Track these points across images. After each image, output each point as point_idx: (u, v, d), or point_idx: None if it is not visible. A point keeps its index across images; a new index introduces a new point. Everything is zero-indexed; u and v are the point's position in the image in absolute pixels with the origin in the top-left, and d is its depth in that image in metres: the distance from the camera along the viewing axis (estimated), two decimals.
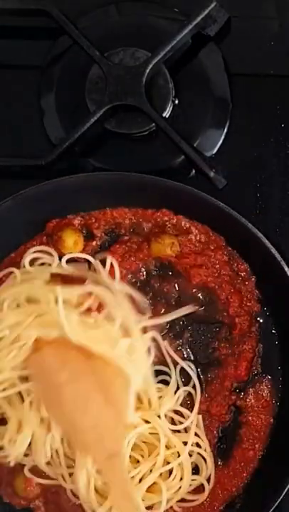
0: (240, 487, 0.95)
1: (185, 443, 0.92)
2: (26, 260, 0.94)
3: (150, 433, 0.91)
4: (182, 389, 0.94)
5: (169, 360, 0.94)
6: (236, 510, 0.94)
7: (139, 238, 0.96)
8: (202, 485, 0.94)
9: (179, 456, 0.92)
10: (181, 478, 0.92)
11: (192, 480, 0.93)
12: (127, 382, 0.88)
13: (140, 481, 0.91)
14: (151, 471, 0.91)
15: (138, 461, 0.92)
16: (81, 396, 0.87)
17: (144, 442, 0.92)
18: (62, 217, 0.97)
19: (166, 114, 1.00)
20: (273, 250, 0.92)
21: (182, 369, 0.94)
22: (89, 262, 0.94)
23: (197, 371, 0.95)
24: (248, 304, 0.96)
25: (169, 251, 0.95)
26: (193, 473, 0.93)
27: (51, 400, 0.88)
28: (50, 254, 0.95)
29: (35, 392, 0.89)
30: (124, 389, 0.88)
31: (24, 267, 0.94)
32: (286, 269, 0.92)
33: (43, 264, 0.95)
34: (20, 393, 0.90)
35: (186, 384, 0.95)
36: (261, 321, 0.96)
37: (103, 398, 0.87)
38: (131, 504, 0.87)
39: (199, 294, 0.96)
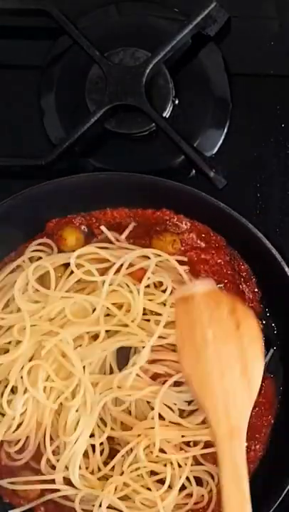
0: None
1: None
2: (26, 257, 0.95)
3: None
4: None
5: None
6: None
7: (140, 237, 0.97)
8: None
9: None
10: None
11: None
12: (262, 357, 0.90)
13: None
14: None
15: None
16: (223, 359, 0.88)
17: None
18: (62, 217, 0.97)
19: (166, 114, 1.00)
20: (273, 250, 0.92)
21: None
22: None
23: None
24: (251, 304, 0.96)
25: (170, 248, 0.95)
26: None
27: (192, 352, 0.89)
28: (50, 247, 0.96)
29: (177, 339, 0.90)
30: (260, 367, 0.89)
31: (24, 262, 0.95)
32: (286, 269, 0.92)
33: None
34: None
35: None
36: (262, 321, 0.97)
37: (240, 367, 0.88)
38: (241, 494, 0.86)
39: None
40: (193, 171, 0.99)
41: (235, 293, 0.96)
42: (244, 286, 0.96)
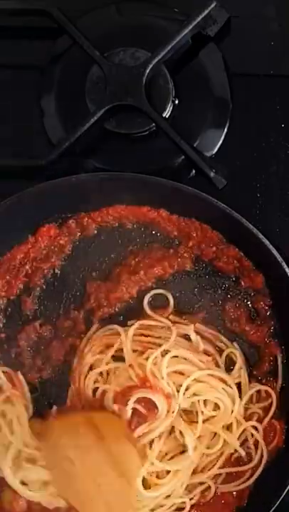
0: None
1: None
2: None
3: None
4: None
5: None
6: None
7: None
8: None
9: None
10: None
11: None
12: (137, 457, 0.88)
13: None
14: None
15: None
16: (94, 470, 0.88)
17: None
18: (54, 223, 0.97)
19: (166, 114, 1.00)
20: (274, 251, 0.92)
21: None
22: None
23: None
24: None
25: None
26: None
27: (63, 475, 0.89)
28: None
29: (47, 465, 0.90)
30: (134, 462, 0.88)
31: None
32: (286, 269, 0.92)
33: None
34: None
35: None
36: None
37: (114, 470, 0.87)
38: None
39: None
40: (193, 171, 0.99)
41: None
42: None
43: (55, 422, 0.91)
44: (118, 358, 0.93)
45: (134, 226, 0.98)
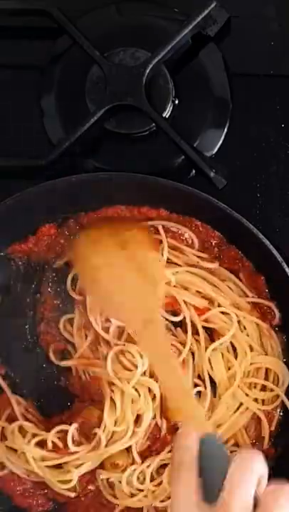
0: None
1: None
2: None
3: None
4: None
5: None
6: None
7: None
8: None
9: None
10: None
11: None
12: (161, 261, 0.92)
13: None
14: None
15: None
16: (117, 276, 0.90)
17: None
18: (54, 223, 0.97)
19: (166, 114, 1.00)
20: (274, 251, 0.92)
21: None
22: None
23: None
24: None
25: None
26: None
27: (89, 281, 0.92)
28: None
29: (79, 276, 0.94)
30: (158, 266, 0.92)
31: None
32: (286, 269, 0.92)
33: None
34: None
35: None
36: None
37: (140, 277, 0.90)
38: (174, 374, 0.85)
39: None
40: (193, 171, 0.99)
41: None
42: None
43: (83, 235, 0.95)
44: None
45: None
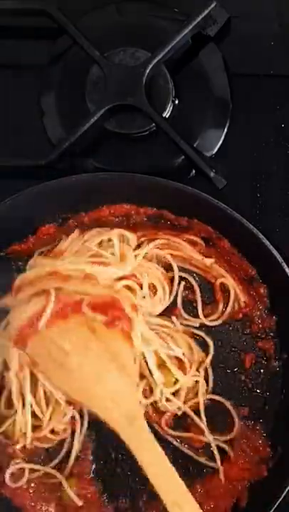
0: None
1: None
2: None
3: None
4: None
5: None
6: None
7: None
8: None
9: None
10: None
11: None
12: (132, 349, 0.89)
13: None
14: None
15: None
16: (91, 364, 0.88)
17: None
18: (55, 223, 0.97)
19: (166, 114, 1.00)
20: (274, 251, 0.92)
21: None
22: None
23: None
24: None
25: None
26: None
27: (59, 373, 0.89)
28: None
29: (42, 372, 0.90)
30: (131, 356, 0.90)
31: None
32: (286, 269, 0.92)
33: None
34: None
35: None
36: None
37: (115, 366, 0.88)
38: (163, 464, 0.86)
39: None
40: (193, 171, 0.99)
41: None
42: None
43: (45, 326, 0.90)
44: None
45: None
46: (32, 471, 0.95)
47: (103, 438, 0.95)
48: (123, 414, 0.87)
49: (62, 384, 0.90)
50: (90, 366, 0.88)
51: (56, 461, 0.95)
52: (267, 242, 0.92)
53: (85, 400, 0.90)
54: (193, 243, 0.97)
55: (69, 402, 0.93)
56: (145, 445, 0.87)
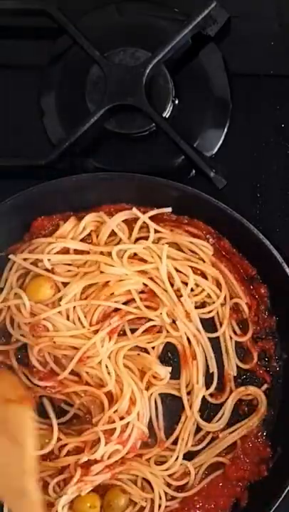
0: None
1: None
2: None
3: None
4: None
5: None
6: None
7: None
8: None
9: None
10: None
11: None
12: (26, 418, 0.84)
13: None
14: None
15: None
16: None
17: None
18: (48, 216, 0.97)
19: (166, 114, 1.00)
20: (274, 251, 0.92)
21: None
22: None
23: None
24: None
25: None
26: None
27: None
28: None
29: None
30: (24, 425, 0.84)
31: None
32: (287, 269, 0.92)
33: None
34: None
35: None
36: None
37: (6, 438, 0.83)
38: None
39: None
40: (193, 171, 0.99)
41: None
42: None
43: None
44: None
45: None
46: None
47: None
48: (13, 487, 0.83)
49: None
50: None
51: None
52: (267, 242, 0.92)
53: None
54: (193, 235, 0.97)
55: None
56: None
